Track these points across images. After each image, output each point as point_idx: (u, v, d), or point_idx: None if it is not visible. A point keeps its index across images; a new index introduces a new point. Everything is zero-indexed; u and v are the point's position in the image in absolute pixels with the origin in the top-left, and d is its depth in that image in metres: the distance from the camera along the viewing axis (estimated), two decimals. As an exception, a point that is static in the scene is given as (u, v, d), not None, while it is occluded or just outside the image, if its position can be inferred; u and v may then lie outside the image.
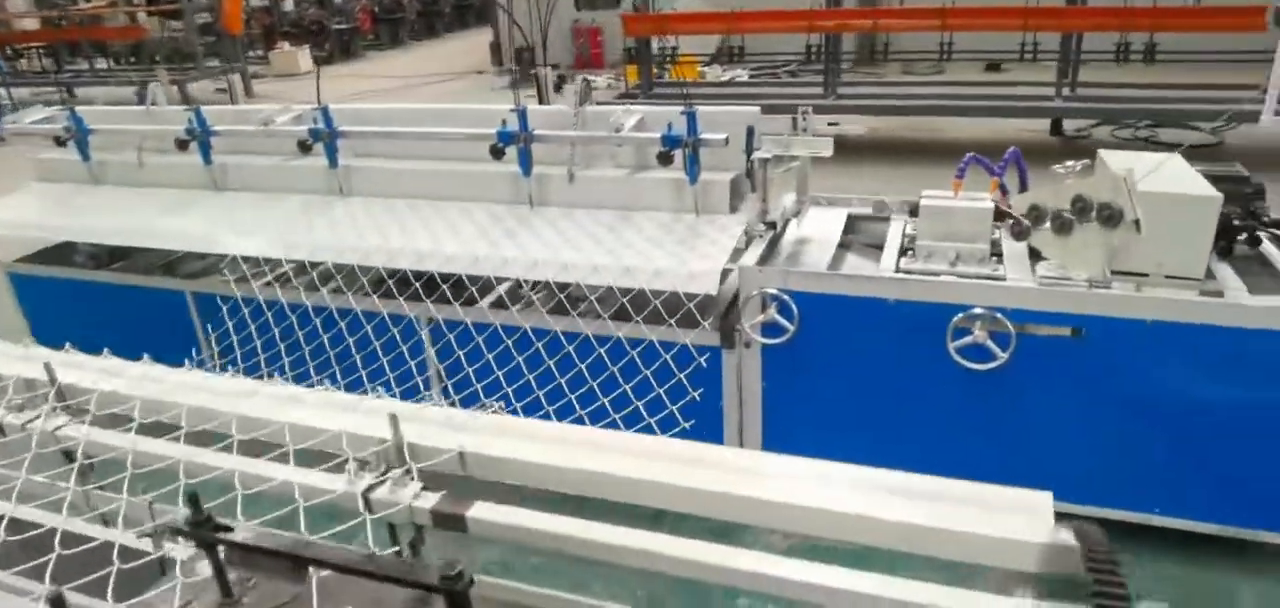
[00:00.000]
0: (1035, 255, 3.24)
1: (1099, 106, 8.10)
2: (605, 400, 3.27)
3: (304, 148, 4.18)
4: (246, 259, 3.91)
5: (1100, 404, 3.03)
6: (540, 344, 3.47)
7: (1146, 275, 2.97)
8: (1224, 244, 3.18)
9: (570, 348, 3.37)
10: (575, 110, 3.83)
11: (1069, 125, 9.12)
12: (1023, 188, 3.50)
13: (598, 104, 4.07)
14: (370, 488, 1.47)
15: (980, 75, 11.98)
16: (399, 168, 4.19)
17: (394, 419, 1.52)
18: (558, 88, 13.60)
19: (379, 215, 3.95)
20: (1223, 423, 2.95)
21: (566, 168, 3.82)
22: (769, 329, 3.21)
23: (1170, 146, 8.51)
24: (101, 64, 16.82)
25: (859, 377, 3.24)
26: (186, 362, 2.05)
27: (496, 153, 3.73)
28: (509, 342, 3.50)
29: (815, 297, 3.14)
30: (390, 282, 3.58)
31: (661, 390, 3.31)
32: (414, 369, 3.59)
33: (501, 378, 3.53)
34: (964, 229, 3.26)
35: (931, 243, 3.28)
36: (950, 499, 1.43)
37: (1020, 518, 1.36)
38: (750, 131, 3.51)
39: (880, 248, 3.75)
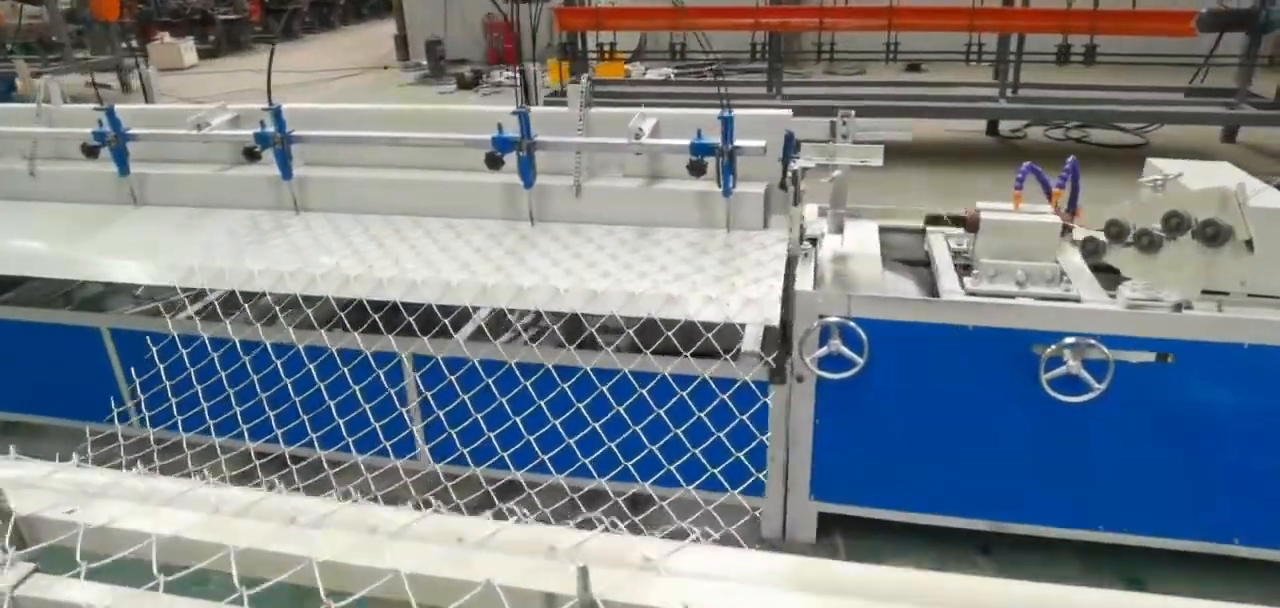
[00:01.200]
0: (1104, 273, 3.01)
1: (1042, 108, 8.16)
2: (635, 428, 2.82)
3: (251, 155, 3.53)
4: (186, 290, 3.26)
5: (1190, 434, 2.80)
6: (525, 381, 2.98)
7: (1227, 294, 2.76)
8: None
9: (557, 385, 2.90)
10: (580, 114, 3.35)
11: (1004, 126, 9.20)
12: (1073, 203, 3.26)
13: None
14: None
15: (902, 75, 12.08)
16: (368, 179, 3.60)
17: (584, 574, 1.04)
18: (474, 85, 12.96)
19: (352, 235, 3.35)
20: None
21: (572, 179, 3.34)
22: (830, 362, 2.84)
23: (1101, 146, 8.77)
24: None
25: (932, 413, 2.91)
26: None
27: (494, 162, 3.21)
28: (489, 380, 3.00)
29: (885, 324, 2.79)
30: (375, 316, 3.00)
31: (713, 427, 2.88)
32: (394, 399, 3.05)
33: (494, 417, 3.01)
34: (1030, 246, 2.97)
35: (995, 261, 2.98)
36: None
37: None
38: (789, 138, 3.12)
39: (916, 264, 3.47)
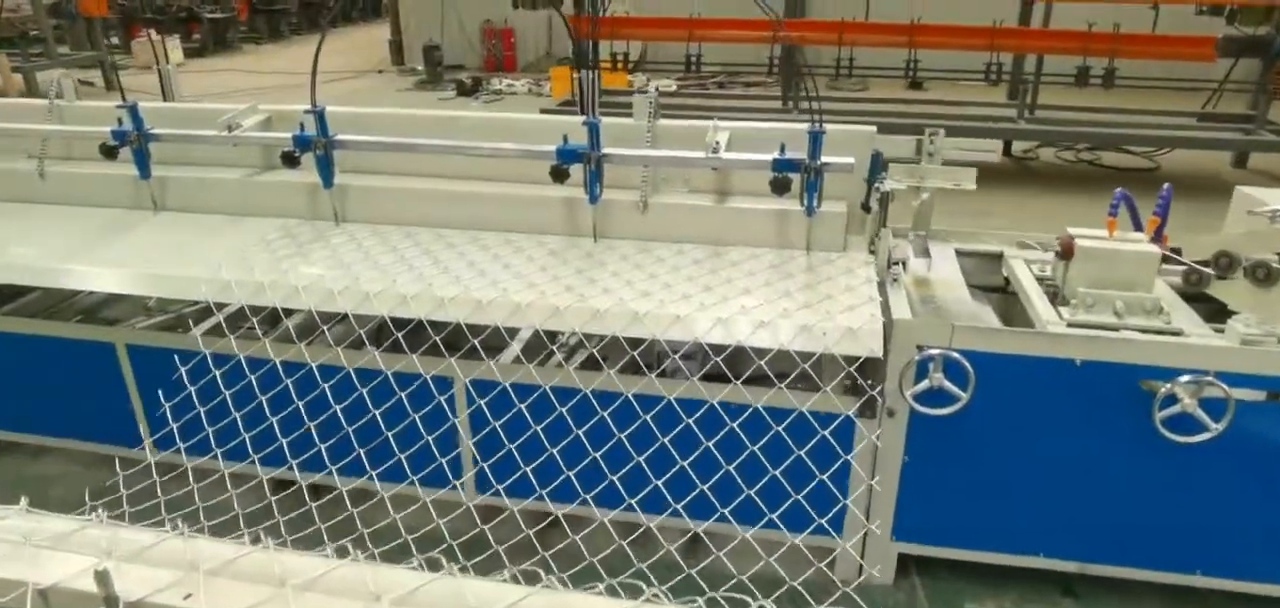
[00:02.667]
0: (1196, 304, 2.87)
1: (1059, 129, 8.09)
2: (726, 463, 2.63)
3: (289, 160, 3.29)
4: (218, 304, 3.00)
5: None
6: (602, 411, 2.78)
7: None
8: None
9: (638, 414, 2.70)
10: (648, 125, 3.16)
11: (1017, 146, 9.14)
12: (1160, 231, 3.11)
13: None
14: None
15: (905, 92, 12.03)
16: (416, 189, 3.38)
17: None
18: (473, 92, 12.71)
19: (403, 248, 3.13)
20: None
21: (637, 194, 3.15)
22: (930, 398, 2.66)
23: (1112, 169, 8.71)
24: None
25: (1029, 450, 2.75)
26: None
27: (559, 175, 3.01)
28: (565, 410, 2.79)
29: (990, 357, 2.61)
30: (437, 338, 2.78)
31: (788, 462, 2.69)
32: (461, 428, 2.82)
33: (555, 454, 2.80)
34: (1127, 275, 2.82)
35: (1091, 291, 2.81)
36: None
37: None
38: (876, 158, 2.96)
39: (991, 290, 3.32)
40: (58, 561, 1.15)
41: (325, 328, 2.83)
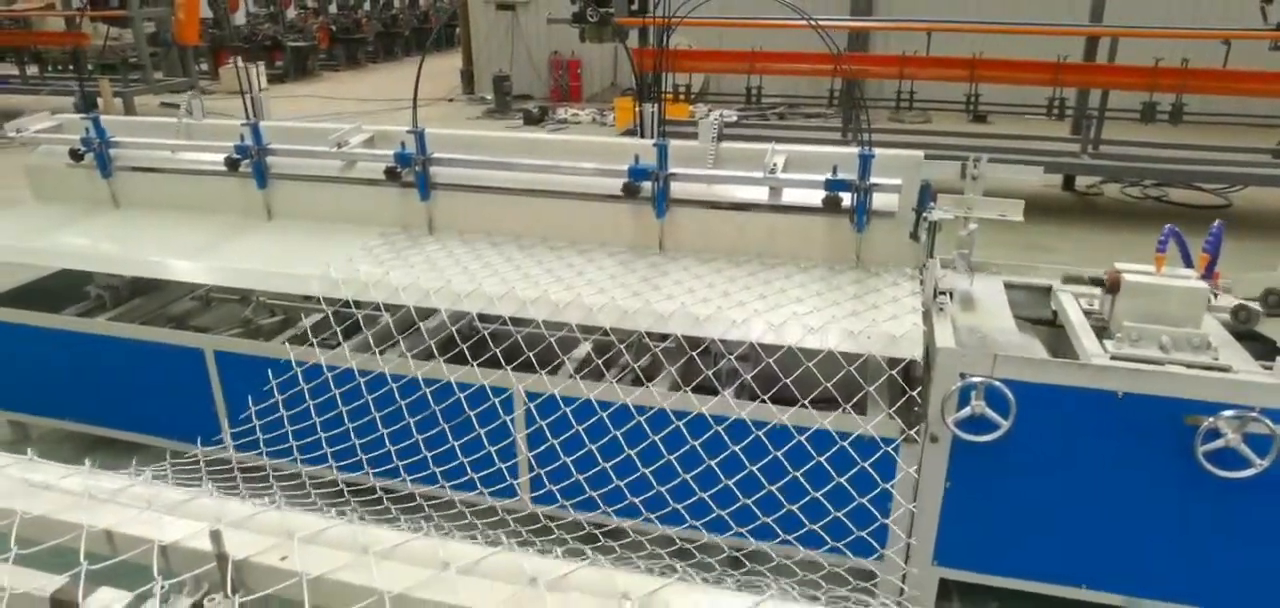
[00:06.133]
0: (1247, 342, 2.88)
1: (1125, 164, 7.96)
2: (764, 480, 2.76)
3: (392, 175, 3.60)
4: (328, 300, 3.23)
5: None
6: (662, 433, 2.92)
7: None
8: None
9: (678, 431, 2.86)
10: (712, 147, 3.35)
11: (1080, 181, 9.02)
12: (1211, 267, 3.13)
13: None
14: None
15: (967, 125, 11.95)
16: (500, 202, 3.64)
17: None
18: (539, 121, 13.08)
19: (488, 256, 3.44)
20: None
21: (699, 209, 3.37)
22: (972, 425, 2.73)
23: (1180, 206, 8.53)
24: (31, 71, 15.39)
25: (1072, 480, 2.79)
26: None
27: (631, 191, 3.27)
28: (614, 422, 2.96)
29: (1032, 387, 2.68)
30: (496, 351, 2.98)
31: (831, 484, 2.80)
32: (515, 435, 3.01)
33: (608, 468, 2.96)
34: (1174, 311, 2.86)
35: (1136, 325, 2.86)
36: None
37: None
38: (925, 188, 3.06)
39: (1038, 322, 3.37)
40: (176, 524, 1.34)
41: (401, 338, 3.06)
